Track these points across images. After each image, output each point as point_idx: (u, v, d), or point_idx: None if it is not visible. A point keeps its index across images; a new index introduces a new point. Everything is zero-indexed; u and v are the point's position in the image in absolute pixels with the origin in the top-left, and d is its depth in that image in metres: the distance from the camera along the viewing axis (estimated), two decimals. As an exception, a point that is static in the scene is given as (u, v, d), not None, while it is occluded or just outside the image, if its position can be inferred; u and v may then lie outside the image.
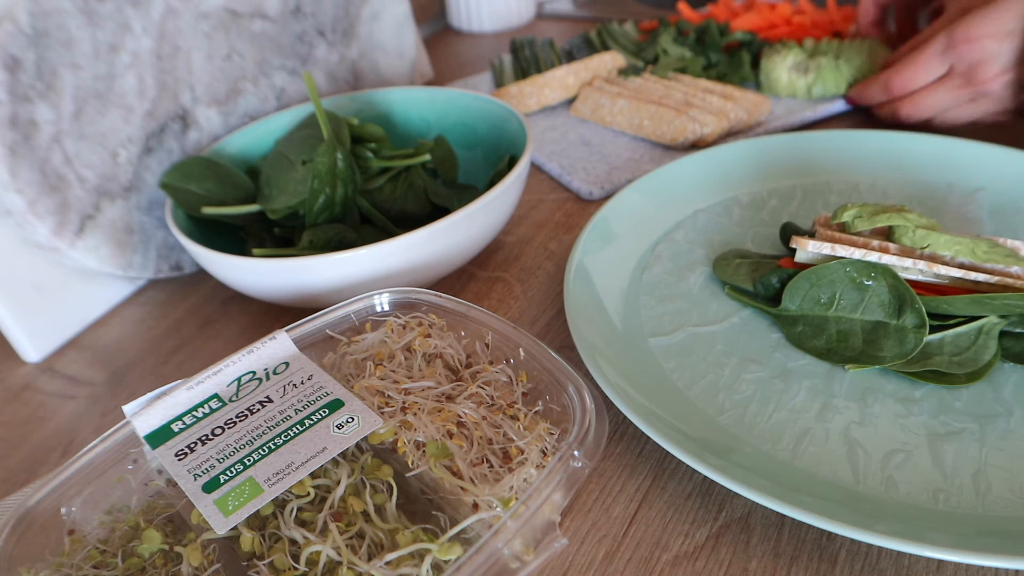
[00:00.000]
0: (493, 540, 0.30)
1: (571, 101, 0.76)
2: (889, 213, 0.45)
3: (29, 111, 0.48)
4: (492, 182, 0.54)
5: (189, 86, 0.57)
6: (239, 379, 0.38)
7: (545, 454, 0.35)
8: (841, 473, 0.37)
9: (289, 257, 0.46)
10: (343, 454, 0.36)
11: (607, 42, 0.85)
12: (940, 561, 0.34)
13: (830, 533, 0.36)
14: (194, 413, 0.37)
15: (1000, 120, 0.62)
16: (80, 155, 0.51)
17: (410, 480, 0.35)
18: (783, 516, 0.37)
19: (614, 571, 0.35)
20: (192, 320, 0.56)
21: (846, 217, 0.46)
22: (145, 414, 0.37)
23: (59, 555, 0.33)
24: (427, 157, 0.57)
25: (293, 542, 0.32)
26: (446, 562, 0.31)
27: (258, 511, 0.33)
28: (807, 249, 0.45)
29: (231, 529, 0.32)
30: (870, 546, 0.35)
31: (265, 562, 0.32)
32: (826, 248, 0.44)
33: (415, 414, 0.36)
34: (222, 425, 0.36)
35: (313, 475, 0.34)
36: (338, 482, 0.34)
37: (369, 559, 0.31)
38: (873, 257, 0.43)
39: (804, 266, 0.46)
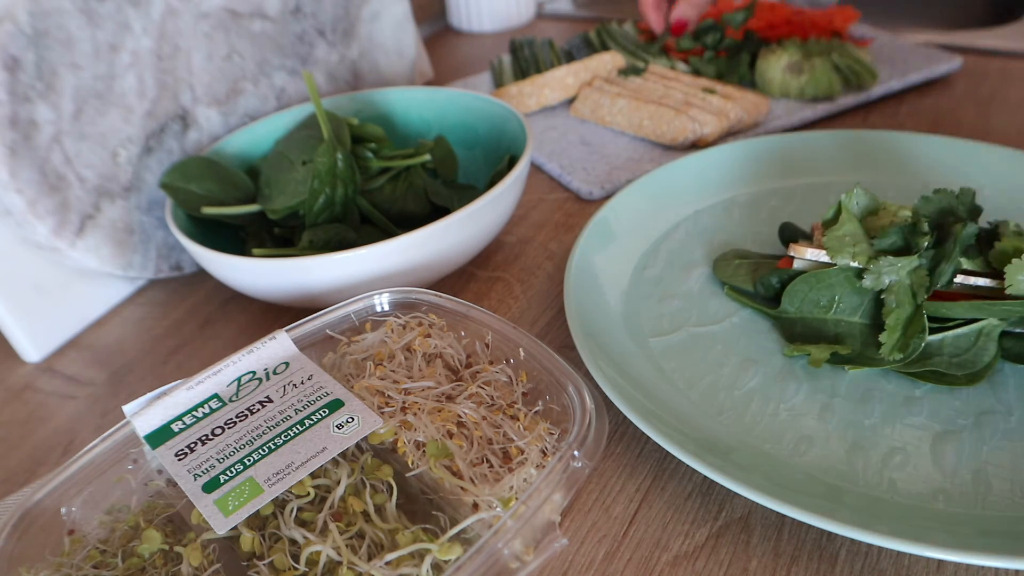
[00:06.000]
0: (493, 540, 0.30)
1: (571, 101, 0.76)
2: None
3: (29, 111, 0.48)
4: (492, 182, 0.54)
5: (189, 86, 0.57)
6: (239, 379, 0.38)
7: (545, 454, 0.35)
8: (841, 473, 0.37)
9: (289, 257, 0.46)
10: (343, 454, 0.36)
11: (607, 42, 0.85)
12: (940, 561, 0.34)
13: (830, 533, 0.36)
14: (194, 413, 0.37)
15: None
16: (80, 155, 0.51)
17: (410, 480, 0.35)
18: (783, 516, 0.37)
19: (614, 571, 0.35)
20: (192, 320, 0.56)
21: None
22: (145, 414, 0.37)
23: (59, 555, 0.33)
24: (427, 157, 0.57)
25: (293, 542, 0.32)
26: (446, 562, 0.31)
27: (258, 511, 0.33)
28: (805, 257, 0.45)
29: (231, 529, 0.32)
30: (870, 546, 0.35)
31: (265, 562, 0.32)
32: (824, 256, 0.44)
33: (415, 414, 0.36)
34: (222, 425, 0.36)
35: (313, 475, 0.34)
36: (338, 482, 0.34)
37: (369, 559, 0.31)
38: None
39: (804, 266, 0.46)
